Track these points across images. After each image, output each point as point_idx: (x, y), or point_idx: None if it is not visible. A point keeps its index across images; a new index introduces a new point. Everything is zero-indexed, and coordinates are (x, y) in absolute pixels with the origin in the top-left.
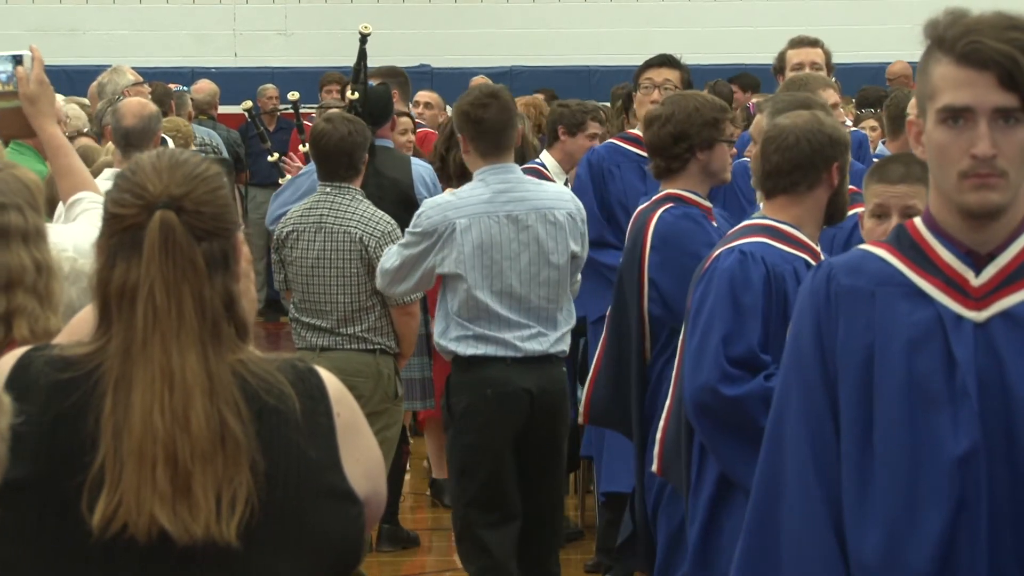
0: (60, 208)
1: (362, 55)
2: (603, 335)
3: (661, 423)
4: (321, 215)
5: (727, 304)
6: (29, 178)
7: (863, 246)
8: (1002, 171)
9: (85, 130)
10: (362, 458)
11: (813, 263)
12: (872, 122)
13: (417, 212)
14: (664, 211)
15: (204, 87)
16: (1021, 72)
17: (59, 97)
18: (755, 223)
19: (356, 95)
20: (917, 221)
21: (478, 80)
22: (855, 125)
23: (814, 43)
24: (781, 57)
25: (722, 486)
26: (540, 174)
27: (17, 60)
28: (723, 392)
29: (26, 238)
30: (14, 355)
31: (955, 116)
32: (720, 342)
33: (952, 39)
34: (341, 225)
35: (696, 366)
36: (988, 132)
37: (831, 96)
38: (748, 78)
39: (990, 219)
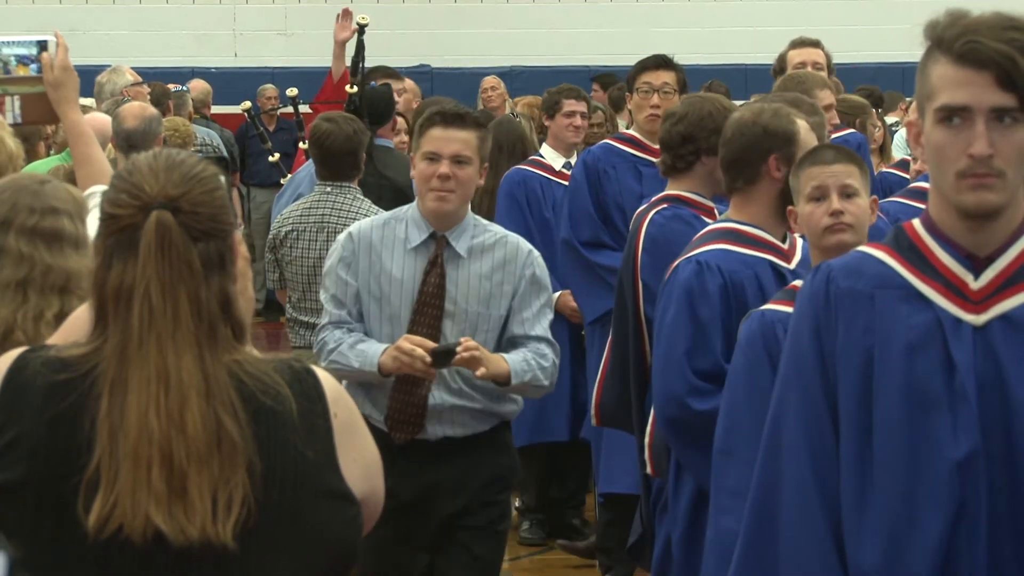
0: None
1: (360, 46)
2: (609, 337)
3: (648, 427)
4: (323, 214)
5: (686, 318)
6: (77, 192)
7: (862, 248)
8: (999, 171)
9: None
10: (359, 458)
11: (782, 263)
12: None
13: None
14: (655, 213)
15: (197, 86)
16: (1019, 72)
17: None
18: (717, 227)
19: (355, 88)
20: (916, 223)
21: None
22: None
23: (815, 44)
24: (782, 58)
25: (699, 494)
26: (541, 164)
27: (42, 45)
28: (692, 406)
29: (77, 245)
30: (10, 356)
31: (952, 115)
32: (684, 355)
33: (950, 39)
34: (346, 224)
35: (662, 379)
36: (985, 132)
37: (826, 97)
38: (609, 78)
39: (988, 219)
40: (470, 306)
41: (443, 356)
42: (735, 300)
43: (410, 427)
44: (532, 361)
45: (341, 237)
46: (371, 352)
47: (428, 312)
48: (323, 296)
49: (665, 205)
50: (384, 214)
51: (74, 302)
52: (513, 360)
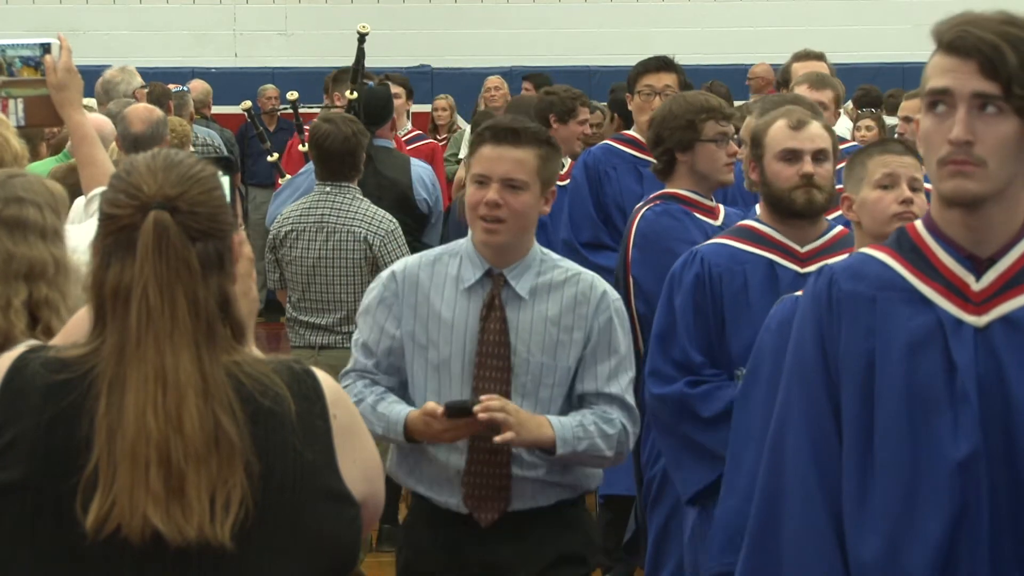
0: (79, 203)
1: (360, 55)
2: None
3: None
4: (323, 214)
5: (664, 304)
6: (55, 187)
7: (864, 250)
8: (979, 159)
9: None
10: (359, 459)
11: (789, 264)
12: (868, 121)
13: None
14: (647, 209)
15: (196, 86)
16: (1003, 61)
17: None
18: (737, 224)
19: (355, 95)
20: (918, 224)
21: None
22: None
23: (819, 57)
24: (786, 71)
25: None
26: None
27: (45, 48)
28: (650, 388)
29: (44, 234)
30: (10, 356)
31: (937, 102)
32: (655, 340)
33: (944, 31)
34: (345, 224)
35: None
36: (966, 118)
37: (802, 91)
38: (541, 78)
39: (970, 210)
40: (532, 356)
41: (458, 413)
42: (711, 291)
43: (497, 502)
44: (592, 427)
45: (383, 275)
46: (393, 416)
47: (493, 364)
48: (354, 337)
49: (657, 202)
50: (436, 249)
51: (42, 289)
52: (564, 425)
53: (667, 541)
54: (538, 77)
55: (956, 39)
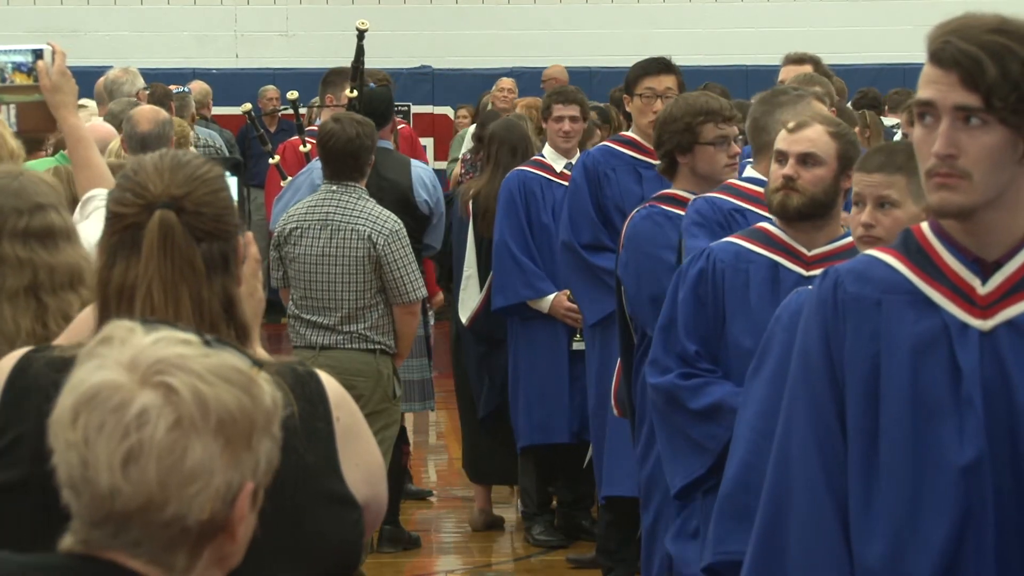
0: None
1: (360, 51)
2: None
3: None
4: (327, 212)
5: (669, 297)
6: (51, 179)
7: (871, 252)
8: (963, 172)
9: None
10: (362, 462)
11: (794, 267)
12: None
13: None
14: (636, 212)
15: (196, 87)
16: (982, 73)
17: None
18: (753, 226)
19: (355, 93)
20: (924, 226)
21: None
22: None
23: (803, 61)
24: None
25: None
26: (542, 165)
27: (37, 54)
28: (647, 377)
29: (69, 237)
30: (13, 356)
31: (924, 113)
32: (658, 331)
33: (932, 39)
34: (348, 223)
35: None
36: (947, 131)
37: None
38: (336, 75)
39: (960, 219)
40: None
41: None
42: (713, 286)
43: None
44: None
45: None
46: None
47: None
48: None
49: (647, 205)
50: None
51: (85, 294)
52: None
53: (655, 541)
54: (334, 75)
55: (938, 50)
